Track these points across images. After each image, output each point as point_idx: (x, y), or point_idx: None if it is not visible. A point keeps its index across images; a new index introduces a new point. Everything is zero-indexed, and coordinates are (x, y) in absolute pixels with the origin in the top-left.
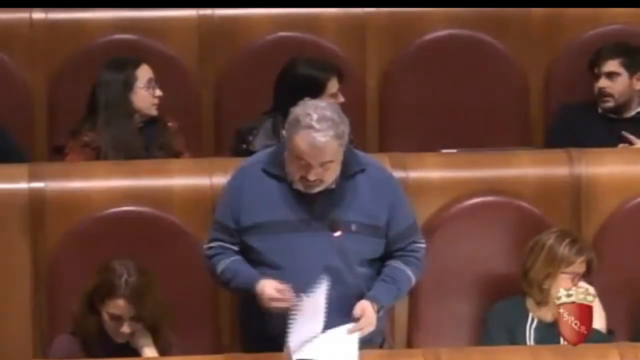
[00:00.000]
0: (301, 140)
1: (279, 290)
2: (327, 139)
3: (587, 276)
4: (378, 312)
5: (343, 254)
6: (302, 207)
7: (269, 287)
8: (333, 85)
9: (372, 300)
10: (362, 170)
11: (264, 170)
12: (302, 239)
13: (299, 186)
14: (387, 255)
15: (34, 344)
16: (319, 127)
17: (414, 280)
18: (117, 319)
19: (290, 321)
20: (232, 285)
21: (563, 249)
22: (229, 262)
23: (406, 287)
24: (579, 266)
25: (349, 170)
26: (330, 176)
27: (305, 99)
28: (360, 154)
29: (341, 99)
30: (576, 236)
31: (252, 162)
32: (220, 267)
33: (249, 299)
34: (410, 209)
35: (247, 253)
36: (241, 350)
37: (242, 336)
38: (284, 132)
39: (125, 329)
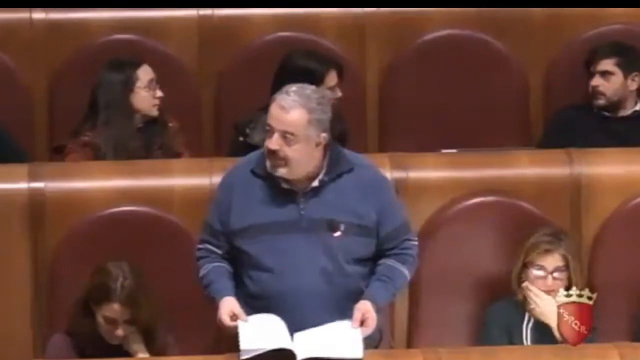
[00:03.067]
0: (272, 104)
1: (232, 316)
2: (294, 104)
3: (565, 272)
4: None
5: (332, 253)
6: (289, 208)
7: (225, 311)
8: (332, 78)
9: (370, 299)
10: (350, 170)
11: (253, 172)
12: (290, 240)
13: (268, 164)
14: (380, 254)
15: (34, 344)
16: (291, 94)
17: (408, 277)
18: (112, 322)
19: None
20: (205, 293)
21: (534, 237)
22: (210, 269)
23: (402, 285)
24: (549, 259)
25: (336, 170)
26: (296, 156)
27: None
28: (350, 154)
29: (339, 94)
30: (557, 232)
31: (241, 164)
32: (202, 271)
33: (247, 301)
34: (401, 208)
35: (239, 256)
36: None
37: None
38: None
39: (120, 332)
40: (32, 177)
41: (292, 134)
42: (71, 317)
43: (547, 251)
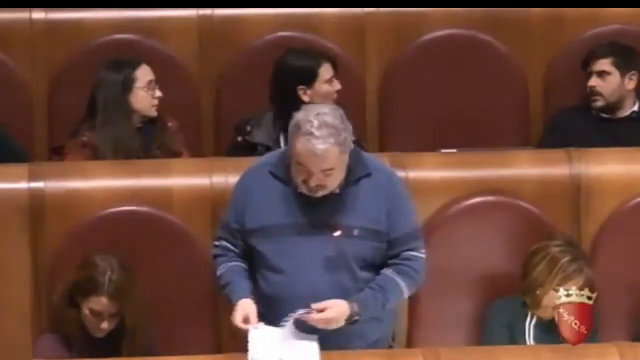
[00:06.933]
0: (301, 147)
1: (245, 320)
2: (327, 146)
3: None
4: (355, 316)
5: (345, 258)
6: (306, 211)
7: (240, 314)
8: (326, 72)
9: (353, 303)
10: (368, 175)
11: (271, 173)
12: (304, 243)
13: (303, 190)
14: (385, 262)
15: (33, 344)
16: (319, 135)
17: (405, 290)
18: (98, 315)
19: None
20: (223, 293)
21: (563, 265)
22: (228, 269)
23: (396, 296)
24: (576, 283)
25: (355, 176)
26: (333, 182)
27: (308, 105)
28: (369, 158)
29: (338, 86)
30: (579, 253)
31: (261, 164)
32: (219, 270)
33: (260, 300)
34: (414, 218)
35: (253, 256)
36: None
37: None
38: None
39: (105, 325)
40: (32, 177)
41: (331, 169)
42: (56, 311)
43: (577, 278)
